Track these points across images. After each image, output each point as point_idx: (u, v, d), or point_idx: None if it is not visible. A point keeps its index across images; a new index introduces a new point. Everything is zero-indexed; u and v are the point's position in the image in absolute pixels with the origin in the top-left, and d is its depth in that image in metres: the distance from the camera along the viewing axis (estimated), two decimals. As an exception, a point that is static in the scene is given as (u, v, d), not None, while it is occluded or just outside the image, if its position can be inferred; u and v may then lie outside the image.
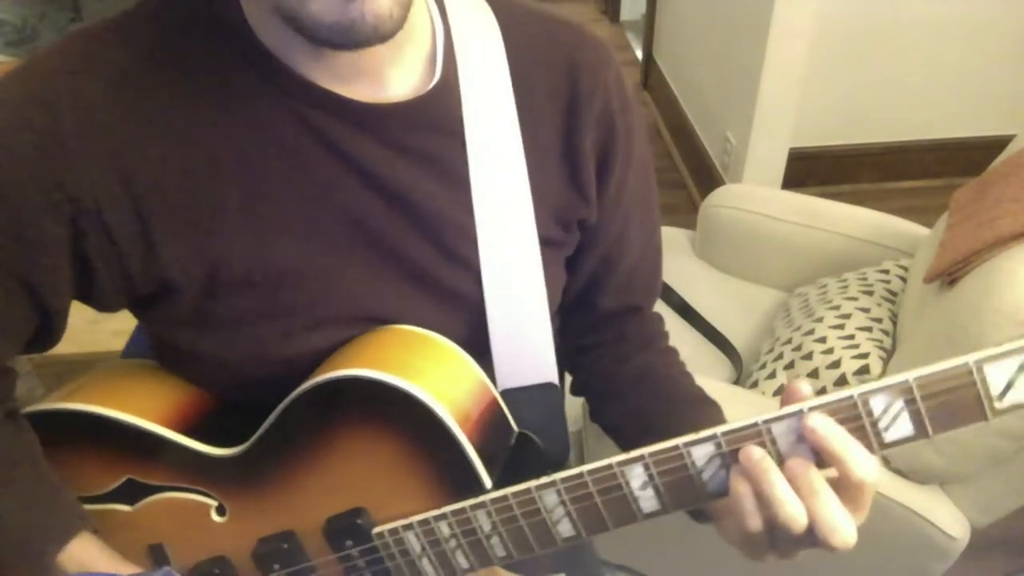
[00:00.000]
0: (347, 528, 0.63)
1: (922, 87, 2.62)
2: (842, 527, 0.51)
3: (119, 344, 0.95)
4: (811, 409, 0.51)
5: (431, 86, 0.62)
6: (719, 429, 0.53)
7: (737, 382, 1.52)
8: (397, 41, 0.55)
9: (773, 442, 0.52)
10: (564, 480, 0.57)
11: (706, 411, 0.72)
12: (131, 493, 0.67)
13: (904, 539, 1.22)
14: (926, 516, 1.18)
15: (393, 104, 0.60)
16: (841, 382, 1.30)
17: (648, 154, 0.75)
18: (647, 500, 0.56)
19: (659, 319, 0.83)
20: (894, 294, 1.49)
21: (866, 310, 1.43)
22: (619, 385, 0.77)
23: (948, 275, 1.20)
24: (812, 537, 0.52)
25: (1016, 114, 2.58)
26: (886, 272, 1.54)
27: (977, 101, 2.65)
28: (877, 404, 0.50)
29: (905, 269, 1.55)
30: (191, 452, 0.65)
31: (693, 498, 0.56)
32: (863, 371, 1.30)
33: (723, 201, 1.78)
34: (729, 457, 0.53)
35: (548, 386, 0.70)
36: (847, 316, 1.42)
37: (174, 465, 0.66)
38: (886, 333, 1.39)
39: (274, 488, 0.64)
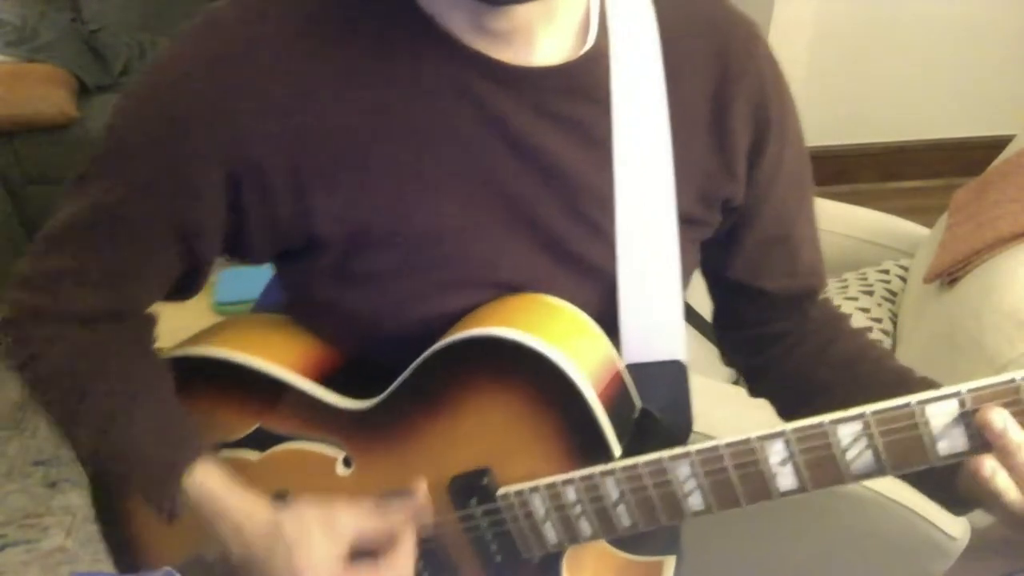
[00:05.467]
0: (471, 487, 0.63)
1: (922, 87, 2.61)
2: None
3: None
4: (970, 392, 0.50)
5: (583, 52, 0.61)
6: (868, 408, 0.52)
7: (737, 382, 1.51)
8: (551, 4, 0.56)
9: (927, 424, 0.51)
10: (699, 452, 0.56)
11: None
12: (261, 441, 0.68)
13: (904, 539, 1.22)
14: (926, 516, 1.18)
15: (544, 68, 0.60)
16: (841, 382, 1.30)
17: (801, 131, 0.72)
18: (785, 477, 0.55)
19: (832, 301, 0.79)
20: (894, 294, 1.49)
21: (866, 310, 1.43)
22: (822, 378, 0.73)
23: (948, 275, 1.20)
24: None
25: (1016, 114, 2.57)
26: (886, 272, 1.54)
27: (977, 101, 2.65)
28: None
29: (905, 269, 1.54)
30: (323, 403, 0.66)
31: (834, 478, 0.54)
32: (863, 371, 1.30)
33: (723, 201, 1.78)
34: (877, 438, 0.52)
35: (675, 364, 0.69)
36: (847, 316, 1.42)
37: (305, 415, 0.67)
38: (886, 333, 1.39)
39: (402, 444, 0.65)
